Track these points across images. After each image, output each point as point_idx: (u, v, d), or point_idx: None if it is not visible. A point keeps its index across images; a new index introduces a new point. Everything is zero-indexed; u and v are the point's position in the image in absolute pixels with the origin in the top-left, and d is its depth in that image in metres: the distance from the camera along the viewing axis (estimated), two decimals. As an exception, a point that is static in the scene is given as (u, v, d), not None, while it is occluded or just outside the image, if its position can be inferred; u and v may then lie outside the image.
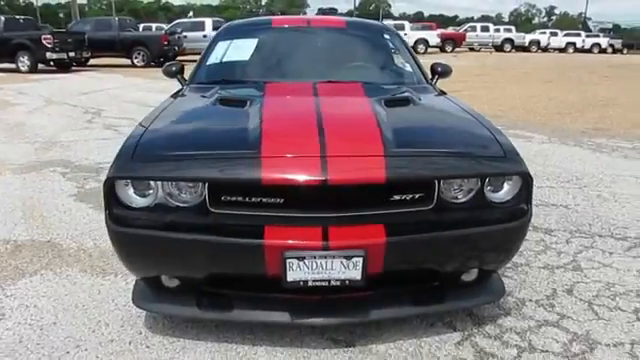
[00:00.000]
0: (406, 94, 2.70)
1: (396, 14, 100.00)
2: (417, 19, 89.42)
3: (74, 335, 2.18)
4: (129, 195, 1.95)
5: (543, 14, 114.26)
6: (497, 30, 31.03)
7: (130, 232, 1.91)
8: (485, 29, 30.53)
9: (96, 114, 7.90)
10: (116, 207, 1.95)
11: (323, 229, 1.85)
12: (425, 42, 25.72)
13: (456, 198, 2.02)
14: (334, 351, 2.08)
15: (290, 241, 1.83)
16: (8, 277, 2.69)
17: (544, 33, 34.09)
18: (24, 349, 2.08)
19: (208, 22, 19.71)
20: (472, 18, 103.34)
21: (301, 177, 1.82)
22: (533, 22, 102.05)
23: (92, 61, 17.27)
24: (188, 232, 1.89)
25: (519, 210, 2.05)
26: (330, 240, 1.83)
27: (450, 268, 2.06)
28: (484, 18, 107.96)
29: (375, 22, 4.21)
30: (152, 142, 2.07)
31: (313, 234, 1.84)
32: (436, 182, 1.94)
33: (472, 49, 30.68)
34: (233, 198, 1.90)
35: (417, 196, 1.94)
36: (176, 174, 1.89)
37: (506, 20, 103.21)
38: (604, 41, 34.37)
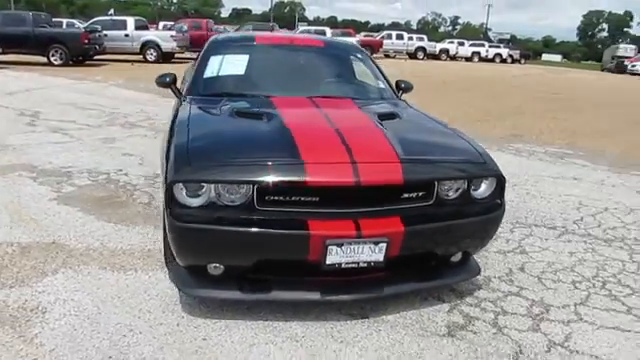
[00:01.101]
0: (391, 109, 3.21)
1: (310, 18, 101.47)
2: (332, 24, 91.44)
3: (123, 322, 2.45)
4: (184, 196, 2.27)
5: (448, 23, 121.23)
6: (410, 38, 32.83)
7: (191, 227, 2.23)
8: (400, 37, 32.21)
9: (34, 116, 7.69)
10: (176, 206, 2.26)
11: (354, 221, 2.29)
12: (345, 48, 26.65)
13: (448, 195, 2.54)
14: (353, 322, 2.52)
15: (331, 231, 2.25)
16: (30, 276, 2.85)
17: (452, 42, 36.55)
18: (82, 335, 2.33)
19: (130, 21, 19.26)
20: (383, 24, 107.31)
21: (338, 179, 2.26)
22: (439, 30, 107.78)
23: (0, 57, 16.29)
24: (241, 226, 2.25)
25: (495, 204, 2.62)
26: (362, 230, 2.27)
27: (445, 251, 2.58)
28: (394, 25, 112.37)
29: (348, 42, 4.69)
30: (201, 150, 2.40)
31: (347, 225, 2.28)
32: (436, 183, 2.45)
33: (387, 56, 32.14)
34: (276, 197, 2.29)
35: (421, 194, 2.45)
36: (230, 177, 2.25)
37: (414, 28, 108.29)
38: (505, 51, 37.45)
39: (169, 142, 2.61)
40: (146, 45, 18.91)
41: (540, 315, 2.67)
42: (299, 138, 2.49)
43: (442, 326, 2.53)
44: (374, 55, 29.38)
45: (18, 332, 2.33)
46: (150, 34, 19.48)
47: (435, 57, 33.27)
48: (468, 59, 35.45)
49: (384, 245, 2.30)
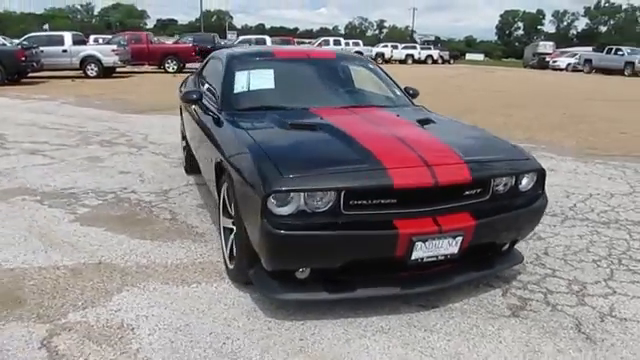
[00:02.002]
0: (424, 115, 3.47)
1: (238, 26, 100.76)
2: (260, 31, 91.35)
3: (215, 331, 2.54)
4: (274, 206, 2.41)
5: (375, 27, 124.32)
6: (347, 44, 33.57)
7: (289, 234, 2.37)
8: (337, 43, 32.88)
9: (1, 138, 7.38)
10: (271, 216, 2.39)
11: (433, 218, 2.52)
12: (287, 55, 26.89)
13: (499, 190, 2.81)
14: (427, 312, 2.74)
15: (417, 229, 2.46)
16: (97, 296, 2.86)
17: (386, 46, 37.67)
18: (183, 347, 2.40)
19: (67, 36, 18.51)
20: (311, 30, 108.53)
21: (420, 182, 2.48)
22: (367, 34, 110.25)
23: None
24: (333, 230, 2.41)
25: (538, 195, 2.92)
26: (441, 225, 2.50)
27: (502, 241, 2.86)
28: (323, 30, 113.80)
29: (355, 53, 4.91)
30: (288, 161, 2.53)
31: (429, 222, 2.50)
32: (492, 180, 2.72)
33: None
34: (361, 202, 2.47)
35: (480, 190, 2.71)
36: (322, 185, 2.41)
37: (342, 32, 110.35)
38: (436, 53, 39.12)
39: (233, 157, 2.74)
40: (86, 60, 18.26)
41: (581, 291, 3.00)
42: (369, 145, 2.68)
43: (504, 308, 2.80)
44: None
45: (119, 349, 2.37)
46: (90, 49, 18.84)
47: (372, 61, 34.12)
48: (402, 62, 36.66)
49: (460, 238, 2.54)
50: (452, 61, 42.84)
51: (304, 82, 3.88)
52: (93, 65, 18.29)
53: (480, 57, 72.57)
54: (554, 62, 34.52)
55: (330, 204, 2.45)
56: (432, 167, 2.54)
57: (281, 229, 2.37)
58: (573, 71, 31.78)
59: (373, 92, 4.04)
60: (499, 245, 2.91)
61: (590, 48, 41.36)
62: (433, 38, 71.25)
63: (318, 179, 2.43)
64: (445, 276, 2.74)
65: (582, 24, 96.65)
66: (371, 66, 4.38)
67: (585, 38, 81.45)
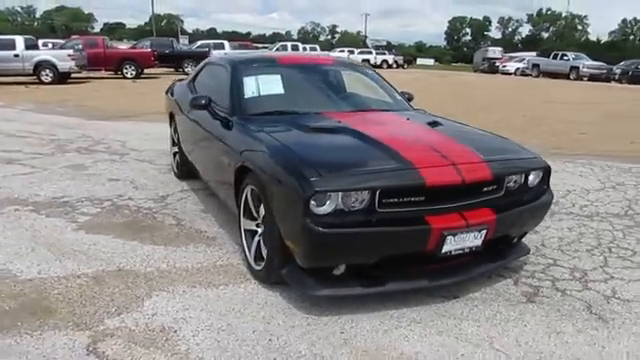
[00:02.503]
0: (431, 118, 3.66)
1: (189, 30, 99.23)
2: (212, 35, 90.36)
3: (257, 329, 2.62)
4: (318, 205, 2.52)
5: (327, 32, 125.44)
6: (305, 49, 33.77)
7: (331, 232, 2.49)
8: (295, 48, 33.03)
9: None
10: (312, 215, 2.50)
11: (460, 213, 2.70)
12: (246, 61, 26.80)
13: (511, 186, 3.02)
14: (450, 302, 2.92)
15: (447, 223, 2.63)
16: (128, 302, 2.88)
17: (343, 51, 38.17)
18: (231, 345, 2.47)
19: (19, 40, 17.79)
20: (264, 35, 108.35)
21: (450, 179, 2.65)
22: (320, 39, 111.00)
23: None
24: (371, 227, 2.55)
25: (544, 190, 3.16)
26: (468, 220, 2.68)
27: (514, 233, 3.07)
28: (275, 35, 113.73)
29: (353, 61, 5.07)
30: (324, 163, 2.64)
31: (457, 217, 2.67)
32: (507, 177, 2.93)
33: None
34: (394, 200, 2.62)
35: (495, 187, 2.91)
36: (360, 185, 2.54)
37: (295, 37, 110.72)
38: (390, 58, 39.97)
39: (263, 160, 2.84)
40: (40, 65, 17.66)
41: (583, 278, 3.26)
42: (395, 146, 2.84)
43: (519, 296, 3.02)
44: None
45: (169, 351, 2.42)
46: (44, 53, 18.22)
47: (329, 66, 34.43)
48: (359, 66, 37.16)
49: (484, 232, 2.73)
50: (406, 66, 43.86)
51: (311, 87, 4.00)
52: (48, 70, 17.70)
53: (431, 62, 74.50)
54: (504, 67, 35.95)
55: (365, 203, 2.59)
56: (457, 166, 2.72)
57: (323, 227, 2.48)
58: (522, 75, 33.18)
59: (376, 96, 4.20)
60: (511, 238, 3.12)
61: (534, 53, 43.41)
62: (385, 43, 72.52)
63: (355, 179, 2.56)
64: (465, 268, 2.92)
65: (526, 30, 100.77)
66: (369, 72, 4.55)
67: (529, 43, 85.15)
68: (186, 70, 23.30)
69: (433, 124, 3.49)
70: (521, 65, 34.17)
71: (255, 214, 3.11)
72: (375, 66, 37.26)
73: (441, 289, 3.00)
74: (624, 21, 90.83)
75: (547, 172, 3.15)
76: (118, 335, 2.55)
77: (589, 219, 4.41)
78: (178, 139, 5.23)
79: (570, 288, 3.11)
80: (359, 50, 39.31)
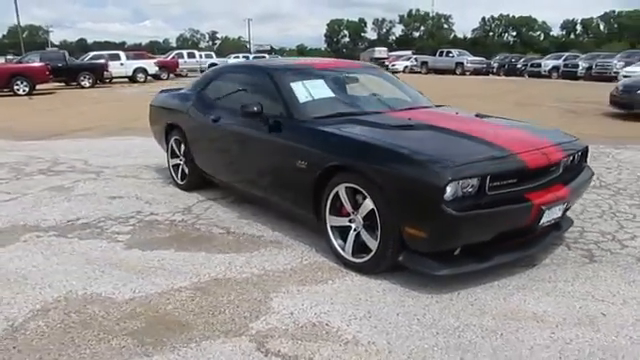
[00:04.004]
0: (473, 112, 4.09)
1: (56, 42, 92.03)
2: (83, 47, 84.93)
3: (398, 311, 2.84)
4: (449, 192, 2.81)
5: (207, 38, 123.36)
6: (200, 56, 33.20)
7: (462, 215, 2.78)
8: (192, 55, 32.35)
9: None
10: (446, 201, 2.78)
11: (548, 190, 3.13)
12: (144, 71, 25.82)
13: (567, 164, 3.51)
14: (535, 269, 3.33)
15: (544, 199, 3.05)
16: (256, 306, 2.93)
17: (238, 57, 37.96)
18: (392, 329, 2.67)
19: None
20: (140, 44, 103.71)
21: (542, 162, 3.08)
22: (200, 46, 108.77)
23: None
24: (490, 208, 2.89)
25: (585, 166, 3.71)
26: (556, 194, 3.13)
27: (572, 204, 3.58)
28: (153, 43, 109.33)
29: (375, 65, 5.34)
30: (442, 155, 2.92)
31: (548, 193, 3.10)
32: (567, 157, 3.43)
33: (179, 75, 31.87)
34: (499, 182, 2.99)
35: (557, 166, 3.40)
36: (479, 172, 2.87)
37: (174, 45, 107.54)
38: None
39: (374, 157, 3.05)
40: None
41: (614, 238, 3.87)
42: (485, 137, 3.21)
43: (581, 258, 3.53)
44: (170, 75, 29.04)
45: (337, 341, 2.56)
46: None
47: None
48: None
49: (565, 204, 3.20)
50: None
51: (353, 89, 4.24)
52: None
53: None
54: (393, 65, 38.14)
55: (476, 187, 2.92)
56: (541, 150, 3.16)
57: (457, 211, 2.78)
58: (410, 72, 35.44)
59: (409, 95, 4.54)
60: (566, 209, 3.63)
61: (410, 51, 46.57)
62: (268, 47, 73.14)
63: (475, 167, 2.88)
64: (540, 239, 3.36)
65: (399, 30, 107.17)
66: (389, 74, 4.89)
67: (403, 43, 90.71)
68: (82, 84, 21.97)
69: (481, 116, 3.92)
70: (409, 63, 36.50)
71: (351, 210, 3.29)
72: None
73: (519, 260, 3.42)
74: (483, 19, 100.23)
75: (586, 151, 3.70)
76: (278, 335, 2.63)
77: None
78: (186, 150, 5.16)
79: (613, 247, 3.69)
80: (253, 55, 39.36)
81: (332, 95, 4.06)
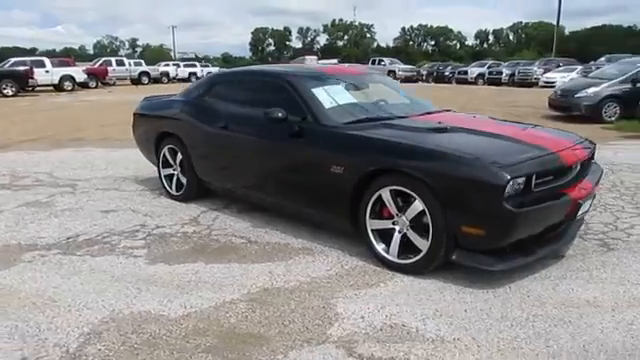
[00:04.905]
0: (485, 115, 4.28)
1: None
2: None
3: (466, 307, 2.91)
4: (508, 190, 2.93)
5: (127, 46, 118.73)
6: (130, 64, 31.94)
7: (521, 212, 2.92)
8: (121, 63, 31.01)
9: None
10: (506, 199, 2.90)
11: (580, 185, 3.35)
12: (71, 79, 24.46)
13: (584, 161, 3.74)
14: (565, 261, 3.54)
15: (579, 194, 3.26)
16: (321, 313, 2.88)
17: (168, 65, 37.00)
18: (474, 321, 2.74)
19: None
20: (54, 50, 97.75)
21: (577, 159, 3.29)
22: (120, 53, 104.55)
23: None
24: (542, 203, 3.05)
25: (595, 163, 3.98)
26: (588, 189, 3.35)
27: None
28: (69, 50, 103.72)
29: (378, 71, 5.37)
30: (500, 157, 3.03)
31: (581, 188, 3.32)
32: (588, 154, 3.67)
33: (106, 83, 30.53)
34: (542, 179, 3.16)
35: (580, 163, 3.64)
36: (531, 171, 3.02)
37: (91, 52, 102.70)
38: (215, 70, 39.91)
39: (428, 159, 3.12)
40: None
41: (618, 228, 4.19)
42: (522, 138, 3.38)
43: (599, 247, 3.79)
44: (99, 83, 27.75)
45: (424, 339, 2.59)
46: None
47: (157, 81, 33.05)
48: (186, 80, 36.46)
49: (593, 198, 3.44)
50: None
51: (367, 95, 4.29)
52: None
53: (243, 72, 75.76)
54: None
55: (524, 185, 3.07)
56: (572, 149, 3.38)
57: (517, 208, 2.91)
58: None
59: (419, 99, 4.66)
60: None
61: (336, 60, 47.47)
62: (193, 56, 71.73)
63: (527, 166, 3.03)
64: (566, 232, 3.56)
65: (323, 39, 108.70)
66: (391, 79, 4.99)
67: (328, 51, 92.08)
68: (4, 92, 20.52)
69: (496, 119, 4.12)
70: (341, 71, 37.08)
71: (395, 212, 3.34)
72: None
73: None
74: (404, 29, 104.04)
75: (595, 150, 3.98)
76: (362, 339, 2.62)
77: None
78: (184, 159, 4.99)
79: (621, 237, 3.99)
80: (184, 63, 38.47)
81: (354, 100, 4.09)
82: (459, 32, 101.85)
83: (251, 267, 3.57)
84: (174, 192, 5.23)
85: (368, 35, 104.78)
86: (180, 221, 4.61)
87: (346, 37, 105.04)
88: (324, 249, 3.86)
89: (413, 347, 2.54)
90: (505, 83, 27.78)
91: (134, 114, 5.74)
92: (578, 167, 3.40)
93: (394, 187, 3.29)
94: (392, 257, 3.40)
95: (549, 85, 22.70)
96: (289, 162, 3.96)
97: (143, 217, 4.75)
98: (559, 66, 25.87)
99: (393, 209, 3.35)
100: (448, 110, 4.54)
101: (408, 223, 3.30)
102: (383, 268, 3.47)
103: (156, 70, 33.54)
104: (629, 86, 10.77)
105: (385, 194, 3.35)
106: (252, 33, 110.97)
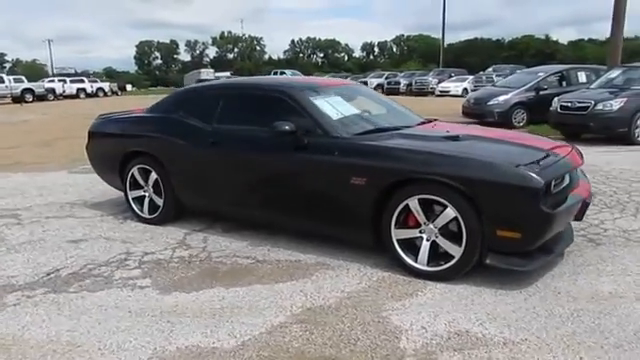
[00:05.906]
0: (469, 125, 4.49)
1: None
2: None
3: (514, 308, 3.03)
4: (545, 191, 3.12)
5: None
6: (10, 81, 29.06)
7: (550, 212, 3.12)
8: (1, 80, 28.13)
9: None
10: (542, 201, 3.08)
11: (578, 185, 3.65)
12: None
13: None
14: (568, 258, 3.83)
15: (586, 194, 3.55)
16: (381, 328, 2.86)
17: (53, 81, 34.26)
18: (528, 321, 2.87)
19: None
20: None
21: (580, 162, 3.59)
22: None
23: None
24: (562, 204, 3.28)
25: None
26: (587, 188, 3.66)
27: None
28: None
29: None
30: (529, 163, 3.20)
31: (581, 188, 3.62)
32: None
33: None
34: (557, 181, 3.41)
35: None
36: (553, 175, 3.24)
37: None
38: (106, 85, 37.95)
39: (462, 167, 3.22)
40: None
41: (613, 225, 4.60)
42: (532, 144, 3.61)
43: (586, 242, 4.14)
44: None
45: (492, 345, 2.67)
46: None
47: (42, 98, 30.34)
48: (74, 96, 34.08)
49: (592, 196, 3.76)
50: (120, 92, 42.18)
51: (368, 106, 4.32)
52: None
53: (129, 87, 72.54)
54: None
55: (547, 188, 3.29)
56: (572, 152, 3.67)
57: (551, 209, 3.11)
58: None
59: (405, 108, 4.77)
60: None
61: (228, 73, 47.27)
62: (73, 71, 67.32)
63: (551, 170, 3.25)
64: (568, 231, 3.86)
65: (212, 52, 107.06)
66: (370, 90, 5.07)
67: (219, 64, 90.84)
68: None
69: (485, 127, 4.36)
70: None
71: (423, 220, 3.40)
72: (92, 95, 34.84)
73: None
74: (293, 42, 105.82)
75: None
76: (438, 349, 2.63)
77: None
78: (160, 179, 4.67)
79: (600, 232, 4.37)
80: (70, 79, 35.82)
81: (357, 111, 4.11)
82: (346, 44, 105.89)
83: (277, 287, 3.43)
84: (146, 215, 4.86)
85: (258, 48, 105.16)
86: (168, 245, 4.30)
87: (236, 50, 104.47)
88: (340, 263, 3.81)
89: (491, 352, 2.60)
90: (403, 92, 29.29)
91: (90, 133, 5.26)
92: (578, 170, 3.70)
93: (423, 196, 3.34)
94: (421, 265, 3.44)
95: (444, 94, 24.37)
96: (296, 176, 3.87)
97: (122, 244, 4.36)
98: (451, 76, 27.87)
99: (422, 217, 3.40)
100: (436, 119, 4.72)
101: (437, 230, 3.37)
102: (410, 277, 3.50)
103: (41, 87, 30.83)
104: (533, 94, 11.90)
105: (413, 203, 3.39)
106: (137, 46, 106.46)
